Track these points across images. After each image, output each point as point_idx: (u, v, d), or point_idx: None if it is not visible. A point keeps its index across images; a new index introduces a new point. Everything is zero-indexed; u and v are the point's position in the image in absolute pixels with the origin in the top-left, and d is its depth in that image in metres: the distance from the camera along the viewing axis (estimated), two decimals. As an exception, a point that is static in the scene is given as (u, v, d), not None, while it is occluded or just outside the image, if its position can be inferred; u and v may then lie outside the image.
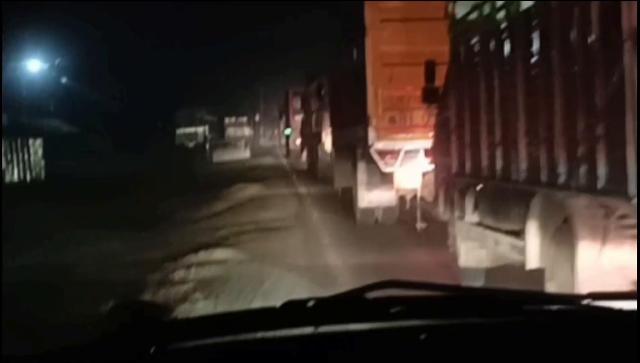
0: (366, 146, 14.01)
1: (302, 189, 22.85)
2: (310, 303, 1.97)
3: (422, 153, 12.89)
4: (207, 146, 52.05)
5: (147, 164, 35.64)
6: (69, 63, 47.45)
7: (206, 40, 69.54)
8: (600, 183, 5.86)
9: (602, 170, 5.82)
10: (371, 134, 13.81)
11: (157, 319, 2.18)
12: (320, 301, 1.99)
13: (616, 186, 5.63)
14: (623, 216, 5.94)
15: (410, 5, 13.10)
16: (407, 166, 13.52)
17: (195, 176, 30.95)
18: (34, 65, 45.98)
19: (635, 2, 5.28)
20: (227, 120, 69.33)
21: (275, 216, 16.10)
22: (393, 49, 13.51)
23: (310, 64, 26.69)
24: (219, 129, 69.05)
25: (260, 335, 1.88)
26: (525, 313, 1.97)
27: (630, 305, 2.00)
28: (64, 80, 46.92)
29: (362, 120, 14.11)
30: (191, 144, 61.57)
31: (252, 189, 21.61)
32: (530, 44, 7.12)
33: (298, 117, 35.08)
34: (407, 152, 13.42)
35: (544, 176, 6.85)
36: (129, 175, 29.08)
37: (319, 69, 23.52)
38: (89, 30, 47.15)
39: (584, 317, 1.97)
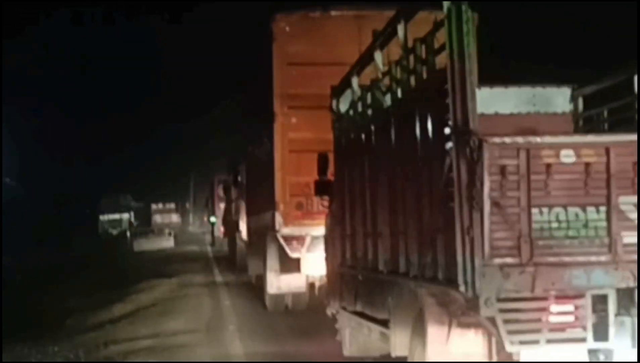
0: (274, 232, 14.89)
1: (219, 279, 23.51)
2: None
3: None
4: (128, 234, 51.67)
5: (61, 257, 35.72)
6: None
7: (135, 126, 70.09)
8: (439, 274, 6.65)
9: (440, 261, 6.62)
10: (278, 219, 14.70)
11: None
12: None
13: (449, 276, 6.40)
14: (465, 305, 6.67)
15: (317, 94, 13.41)
16: (314, 251, 14.10)
17: (109, 269, 30.45)
18: None
19: (459, 103, 6.11)
20: (153, 206, 69.49)
21: (182, 326, 15.00)
22: (300, 136, 14.49)
23: (235, 152, 27.63)
24: (145, 216, 69.10)
25: None
26: None
27: None
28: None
29: (272, 206, 15.00)
30: (115, 232, 61.53)
31: (162, 288, 20.91)
32: (389, 141, 8.00)
33: (222, 205, 36.05)
34: (314, 238, 14.04)
35: (401, 267, 7.66)
36: (38, 270, 29.11)
37: (240, 156, 24.44)
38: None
39: None
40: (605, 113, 9.34)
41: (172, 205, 71.80)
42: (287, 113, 14.72)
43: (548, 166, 6.17)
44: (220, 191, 37.33)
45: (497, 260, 6.10)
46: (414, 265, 7.36)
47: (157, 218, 67.80)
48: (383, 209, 8.36)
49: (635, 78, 8.54)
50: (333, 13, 14.42)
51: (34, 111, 51.93)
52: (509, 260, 6.12)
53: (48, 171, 54.28)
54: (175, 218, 70.20)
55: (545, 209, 6.18)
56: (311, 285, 15.45)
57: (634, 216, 6.21)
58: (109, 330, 15.16)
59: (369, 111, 9.05)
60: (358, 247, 9.46)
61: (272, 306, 15.97)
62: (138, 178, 71.68)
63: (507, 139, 6.18)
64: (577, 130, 9.53)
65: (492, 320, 6.14)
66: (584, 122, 9.59)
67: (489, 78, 9.06)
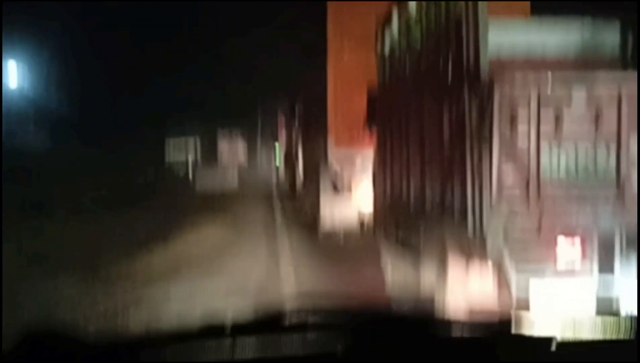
0: (326, 160, 16.11)
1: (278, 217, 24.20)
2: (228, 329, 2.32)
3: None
4: (190, 168, 50.99)
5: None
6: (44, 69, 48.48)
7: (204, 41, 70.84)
8: (455, 213, 7.23)
9: (456, 199, 7.20)
10: (330, 142, 16.04)
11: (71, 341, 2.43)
12: (241, 328, 2.36)
13: (461, 215, 7.00)
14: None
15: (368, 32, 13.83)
16: (364, 179, 15.09)
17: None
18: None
19: (472, 42, 6.63)
20: (220, 133, 70.06)
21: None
22: (351, 70, 15.41)
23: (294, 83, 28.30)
24: (211, 145, 69.82)
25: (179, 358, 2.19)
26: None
27: None
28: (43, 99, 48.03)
29: (324, 134, 16.22)
30: (182, 159, 61.22)
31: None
32: (421, 82, 8.64)
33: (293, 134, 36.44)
34: (363, 162, 14.95)
35: (428, 203, 8.27)
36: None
37: (299, 88, 25.07)
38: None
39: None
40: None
41: (239, 134, 71.75)
42: (340, 48, 15.88)
43: (558, 103, 6.59)
44: (283, 123, 37.76)
45: (505, 199, 6.59)
46: (437, 202, 7.97)
47: (224, 147, 68.23)
48: (414, 146, 8.98)
49: None
50: None
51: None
52: (516, 199, 6.61)
53: (107, 90, 55.40)
54: (242, 147, 70.40)
55: (555, 146, 6.64)
56: (362, 223, 16.02)
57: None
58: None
59: (404, 53, 9.63)
60: (396, 180, 10.13)
61: (326, 242, 16.65)
62: (203, 103, 72.35)
63: (519, 75, 6.63)
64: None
65: (500, 260, 6.67)
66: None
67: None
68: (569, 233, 6.64)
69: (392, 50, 10.53)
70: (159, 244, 17.42)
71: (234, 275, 14.81)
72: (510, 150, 6.56)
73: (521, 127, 6.60)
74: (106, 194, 33.57)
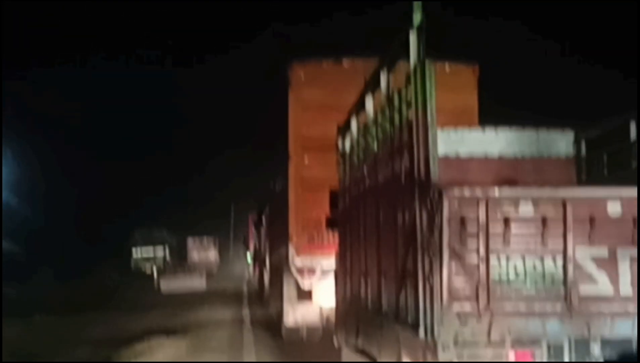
0: (288, 264, 17.00)
1: (246, 313, 24.58)
2: None
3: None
4: (155, 273, 50.90)
5: (81, 294, 36.57)
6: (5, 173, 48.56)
7: (171, 163, 71.64)
8: (408, 318, 7.50)
9: (409, 305, 7.48)
10: (291, 251, 16.82)
11: None
12: None
13: (413, 320, 7.25)
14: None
15: (328, 136, 14.71)
16: (325, 282, 15.92)
17: (123, 313, 29.02)
18: None
19: (422, 155, 6.97)
20: (190, 241, 70.31)
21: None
22: (312, 175, 16.44)
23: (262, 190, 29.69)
24: (181, 252, 69.91)
25: None
26: None
27: None
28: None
29: (286, 240, 17.18)
30: (148, 270, 61.36)
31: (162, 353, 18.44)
32: (376, 184, 8.96)
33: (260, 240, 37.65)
34: (324, 269, 15.91)
35: (384, 308, 8.53)
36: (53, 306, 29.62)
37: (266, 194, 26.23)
38: (28, 137, 48.67)
39: None
40: (605, 158, 10.08)
41: (211, 240, 71.86)
42: (301, 154, 16.85)
43: (506, 218, 6.94)
44: (253, 228, 39.13)
45: (456, 307, 6.87)
46: (392, 307, 8.22)
47: (194, 255, 68.19)
48: (371, 250, 9.30)
49: (632, 124, 9.32)
50: (345, 63, 16.58)
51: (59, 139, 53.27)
52: (467, 307, 6.89)
53: (75, 199, 55.48)
54: (213, 255, 70.31)
55: (503, 259, 6.96)
56: (326, 318, 16.81)
57: (591, 268, 6.98)
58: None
59: (362, 153, 10.05)
60: (355, 284, 10.45)
61: (289, 337, 17.77)
62: (174, 211, 72.68)
63: (467, 192, 6.98)
64: (579, 174, 10.33)
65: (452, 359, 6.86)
66: (586, 166, 10.36)
67: (491, 121, 9.97)
68: (519, 344, 6.87)
69: (351, 150, 10.97)
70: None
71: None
72: (460, 262, 6.85)
73: (470, 241, 6.89)
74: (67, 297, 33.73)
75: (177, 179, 73.84)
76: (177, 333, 20.92)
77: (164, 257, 68.45)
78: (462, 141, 9.97)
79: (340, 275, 12.20)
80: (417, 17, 7.15)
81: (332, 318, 15.25)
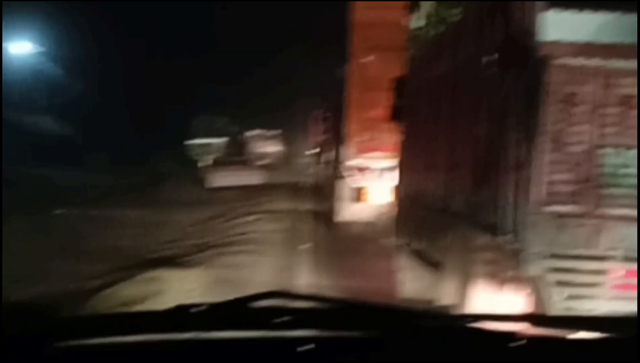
0: (342, 163, 17.26)
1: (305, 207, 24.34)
2: (197, 309, 2.28)
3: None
4: (201, 161, 49.26)
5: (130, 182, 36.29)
6: (62, 52, 47.95)
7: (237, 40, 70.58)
8: (488, 217, 6.19)
9: (490, 202, 6.17)
10: (347, 150, 16.93)
11: (50, 317, 2.52)
12: (207, 308, 2.30)
13: (496, 221, 5.95)
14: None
15: (390, 35, 14.75)
16: (379, 182, 16.17)
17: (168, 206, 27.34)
18: (23, 48, 46.24)
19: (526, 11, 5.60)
20: (251, 133, 69.38)
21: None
22: (373, 73, 16.15)
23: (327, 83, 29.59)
24: (240, 143, 69.15)
25: (145, 337, 2.16)
26: (410, 328, 2.33)
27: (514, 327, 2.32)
28: (56, 72, 47.47)
29: (343, 139, 17.38)
30: (205, 160, 60.09)
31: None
32: (454, 57, 7.56)
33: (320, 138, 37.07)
34: (379, 169, 16.15)
35: (455, 206, 7.23)
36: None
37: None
38: (88, 16, 47.97)
39: (462, 336, 2.28)
40: None
41: (273, 133, 70.79)
42: (362, 52, 16.79)
43: (627, 97, 5.55)
44: (315, 125, 38.43)
45: (553, 207, 5.58)
46: (465, 205, 6.94)
47: (254, 147, 67.36)
48: (443, 138, 7.95)
49: None
50: None
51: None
52: (567, 208, 5.59)
53: (133, 83, 54.84)
54: (275, 148, 69.39)
55: (618, 150, 5.58)
56: (381, 215, 16.27)
57: None
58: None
59: (441, 27, 8.66)
60: (420, 179, 9.14)
61: (341, 234, 17.25)
62: (235, 103, 71.80)
63: (579, 61, 5.59)
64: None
65: (540, 279, 5.64)
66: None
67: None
68: (631, 261, 5.54)
69: (425, 25, 9.57)
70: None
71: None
72: (563, 149, 5.50)
73: (578, 124, 5.51)
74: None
75: (238, 70, 72.69)
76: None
77: (224, 147, 67.84)
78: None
79: (403, 170, 10.89)
80: None
81: (389, 218, 15.02)
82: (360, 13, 16.93)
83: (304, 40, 61.82)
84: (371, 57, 16.52)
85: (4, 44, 43.09)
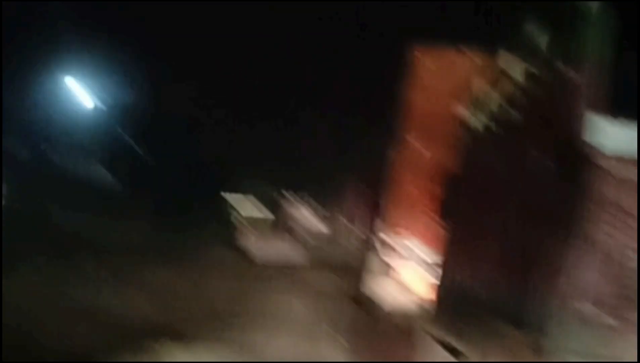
0: (375, 238, 17.55)
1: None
2: None
3: (426, 254, 15.26)
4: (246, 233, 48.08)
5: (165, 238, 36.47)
6: (112, 102, 48.63)
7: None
8: (519, 306, 6.55)
9: (522, 292, 6.53)
10: (385, 230, 17.14)
11: None
12: None
13: (523, 311, 6.32)
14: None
15: (443, 117, 14.98)
16: (411, 261, 16.14)
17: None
18: (76, 93, 46.97)
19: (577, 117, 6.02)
20: (294, 202, 69.74)
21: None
22: (421, 155, 16.52)
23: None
24: (283, 214, 69.42)
25: None
26: None
27: None
28: (110, 119, 48.13)
29: (379, 213, 17.69)
30: (243, 222, 60.07)
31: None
32: (504, 153, 8.04)
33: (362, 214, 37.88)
34: (412, 248, 16.13)
35: (491, 299, 7.58)
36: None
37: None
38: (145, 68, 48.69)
39: None
40: None
41: (318, 205, 70.84)
42: (413, 134, 17.04)
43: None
44: (357, 199, 39.14)
45: (585, 308, 5.91)
46: (496, 296, 7.27)
47: (297, 220, 67.34)
48: (489, 232, 8.31)
49: None
50: (467, 49, 16.36)
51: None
52: (600, 310, 5.90)
53: (182, 136, 55.48)
54: (319, 220, 69.31)
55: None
56: (410, 294, 16.63)
57: None
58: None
59: (487, 121, 9.06)
60: (454, 267, 9.55)
61: (374, 311, 17.03)
62: (279, 170, 72.30)
63: (626, 173, 5.97)
64: None
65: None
66: None
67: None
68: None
69: (473, 119, 10.02)
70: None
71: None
72: (602, 254, 5.85)
73: (620, 232, 5.89)
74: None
75: (286, 138, 73.44)
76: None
77: (266, 219, 67.78)
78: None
79: (440, 257, 11.32)
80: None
81: (418, 299, 15.10)
82: (415, 98, 17.42)
83: (353, 116, 63.05)
84: (421, 143, 17.02)
85: (60, 94, 44.22)
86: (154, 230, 36.95)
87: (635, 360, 5.83)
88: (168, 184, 48.66)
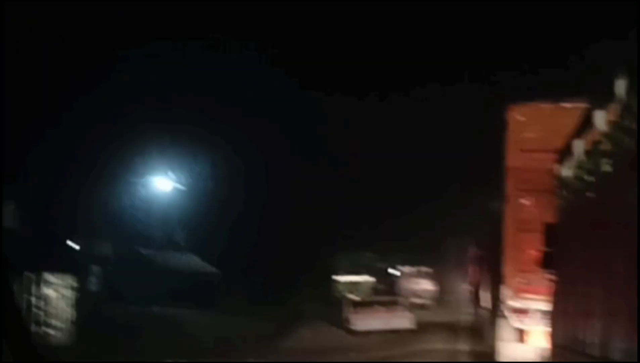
0: (503, 304, 18.29)
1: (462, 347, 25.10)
2: None
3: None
4: (344, 303, 43.50)
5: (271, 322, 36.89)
6: (203, 185, 49.60)
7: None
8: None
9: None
10: (505, 292, 18.05)
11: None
12: None
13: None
14: None
15: (546, 177, 15.56)
16: (540, 324, 16.72)
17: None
18: (163, 183, 47.83)
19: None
20: (400, 269, 69.63)
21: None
22: (529, 216, 17.60)
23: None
24: (387, 281, 69.33)
25: None
26: None
27: None
28: (195, 205, 49.00)
29: (501, 279, 18.49)
30: (354, 297, 59.71)
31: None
32: (604, 211, 8.27)
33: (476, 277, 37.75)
34: (539, 311, 16.80)
35: (611, 354, 7.82)
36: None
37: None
38: (227, 144, 49.60)
39: None
40: None
41: (425, 269, 70.54)
42: (517, 195, 18.35)
43: None
44: (472, 264, 39.02)
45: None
46: (620, 355, 7.51)
47: (405, 284, 67.16)
48: (595, 289, 8.58)
49: None
50: (564, 104, 17.52)
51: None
52: None
53: (278, 218, 56.16)
54: (428, 284, 69.06)
55: None
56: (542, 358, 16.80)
57: None
58: None
59: (590, 177, 9.37)
60: (573, 327, 9.79)
61: None
62: (381, 235, 72.59)
63: None
64: None
65: None
66: None
67: None
68: None
69: (573, 175, 10.37)
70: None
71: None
72: None
73: None
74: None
75: (390, 207, 73.96)
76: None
77: (371, 286, 67.97)
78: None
79: (557, 316, 11.66)
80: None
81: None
82: (513, 158, 18.38)
83: (457, 179, 63.74)
84: (525, 200, 17.86)
85: (145, 179, 45.44)
86: (251, 319, 37.38)
87: None
88: (262, 270, 49.24)
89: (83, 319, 28.69)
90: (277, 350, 28.59)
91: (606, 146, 8.64)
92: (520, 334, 18.07)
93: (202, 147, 47.85)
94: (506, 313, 18.22)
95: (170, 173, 47.45)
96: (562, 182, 11.68)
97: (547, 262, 12.77)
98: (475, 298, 34.15)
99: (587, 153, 9.71)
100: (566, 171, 11.22)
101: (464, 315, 44.69)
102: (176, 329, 33.43)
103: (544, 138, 17.06)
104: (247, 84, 51.61)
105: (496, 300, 19.69)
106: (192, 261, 50.25)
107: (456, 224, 63.34)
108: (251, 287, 47.78)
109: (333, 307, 47.28)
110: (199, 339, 30.28)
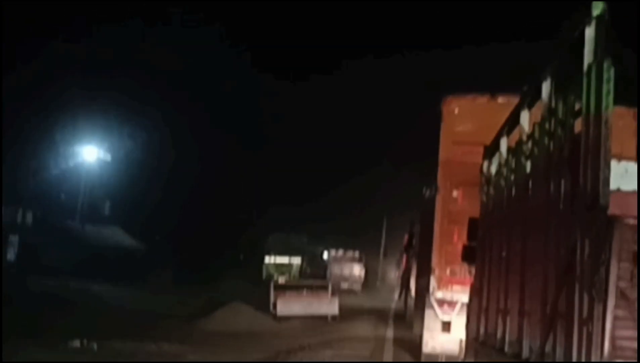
0: (429, 295, 18.99)
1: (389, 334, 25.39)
2: None
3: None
4: (272, 289, 43.98)
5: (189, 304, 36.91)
6: (131, 156, 49.61)
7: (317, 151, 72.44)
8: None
9: (558, 353, 7.13)
10: (432, 283, 18.77)
11: None
12: None
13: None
14: None
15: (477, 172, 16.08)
16: (462, 316, 16.82)
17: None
18: (90, 153, 47.81)
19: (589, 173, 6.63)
20: (331, 252, 70.00)
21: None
22: (459, 209, 18.31)
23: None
24: (320, 264, 69.82)
25: None
26: None
27: None
28: (122, 176, 48.98)
29: (429, 270, 19.17)
30: (282, 279, 60.01)
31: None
32: (525, 209, 8.72)
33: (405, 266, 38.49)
34: (464, 303, 16.75)
35: (524, 353, 8.20)
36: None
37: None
38: (159, 117, 49.59)
39: None
40: None
41: (356, 254, 71.06)
42: (449, 188, 19.00)
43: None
44: (403, 249, 40.25)
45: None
46: (534, 353, 7.85)
47: (335, 268, 67.69)
48: (513, 285, 8.99)
49: None
50: (499, 99, 18.22)
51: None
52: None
53: (210, 198, 56.20)
54: (358, 270, 69.74)
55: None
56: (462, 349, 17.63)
57: None
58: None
59: (510, 175, 9.83)
60: (491, 322, 10.24)
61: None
62: (312, 223, 73.09)
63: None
64: None
65: None
66: None
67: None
68: None
69: (497, 172, 10.85)
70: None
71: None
72: (629, 307, 6.38)
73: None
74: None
75: (318, 189, 74.58)
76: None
77: (301, 268, 68.50)
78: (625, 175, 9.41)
79: (474, 311, 12.19)
80: (597, 6, 6.78)
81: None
82: (445, 149, 19.11)
83: (387, 163, 64.78)
84: (455, 192, 18.61)
85: (70, 149, 45.34)
86: (174, 297, 37.50)
87: None
88: (191, 248, 49.27)
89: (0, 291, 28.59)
90: (194, 332, 28.62)
91: (527, 147, 9.04)
92: (445, 324, 18.80)
93: (131, 118, 47.70)
94: (432, 302, 18.87)
95: (96, 143, 47.27)
96: (486, 178, 12.13)
97: (469, 256, 13.34)
98: (406, 286, 34.99)
99: (511, 151, 10.14)
100: (492, 167, 11.68)
101: (393, 302, 45.54)
102: (98, 303, 33.38)
103: (476, 131, 17.40)
104: (184, 58, 51.61)
105: (424, 289, 20.18)
106: (116, 233, 50.14)
107: (386, 208, 64.26)
108: (177, 265, 47.82)
109: (262, 289, 46.85)
110: (120, 316, 30.29)
